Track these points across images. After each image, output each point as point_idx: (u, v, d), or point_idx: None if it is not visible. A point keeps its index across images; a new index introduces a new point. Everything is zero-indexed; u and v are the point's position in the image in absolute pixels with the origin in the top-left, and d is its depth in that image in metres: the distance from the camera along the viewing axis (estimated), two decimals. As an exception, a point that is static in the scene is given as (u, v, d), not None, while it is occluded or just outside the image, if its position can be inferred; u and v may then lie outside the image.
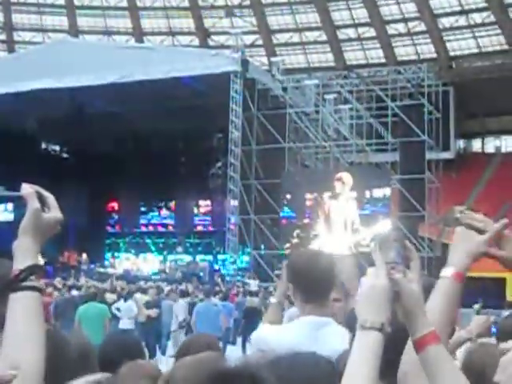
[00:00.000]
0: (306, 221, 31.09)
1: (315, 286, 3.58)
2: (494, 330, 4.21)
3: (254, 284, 28.09)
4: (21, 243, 1.95)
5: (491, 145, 51.84)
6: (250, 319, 19.20)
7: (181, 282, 29.75)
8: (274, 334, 3.63)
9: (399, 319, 1.93)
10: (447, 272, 2.20)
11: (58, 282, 24.18)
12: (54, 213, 2.03)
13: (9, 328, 1.84)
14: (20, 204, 1.98)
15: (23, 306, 1.87)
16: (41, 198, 2.01)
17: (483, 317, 4.22)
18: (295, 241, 31.54)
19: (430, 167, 31.68)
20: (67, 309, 16.73)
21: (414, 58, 47.72)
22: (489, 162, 47.76)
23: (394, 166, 32.59)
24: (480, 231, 2.28)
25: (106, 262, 43.59)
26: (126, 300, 17.83)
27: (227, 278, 32.07)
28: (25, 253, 1.94)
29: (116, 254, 45.11)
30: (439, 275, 2.24)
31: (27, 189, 2.00)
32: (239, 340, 21.18)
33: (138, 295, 18.93)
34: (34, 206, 1.97)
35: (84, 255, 41.29)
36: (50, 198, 2.04)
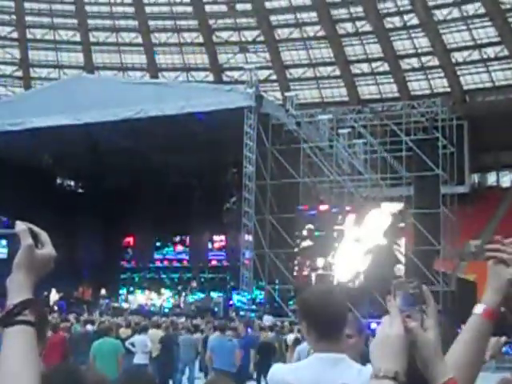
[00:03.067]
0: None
1: (329, 324, 3.58)
2: (507, 349, 4.21)
3: (268, 319, 27.95)
4: (14, 279, 1.97)
5: (506, 178, 51.73)
6: (264, 354, 19.07)
7: (195, 317, 29.67)
8: (291, 373, 3.62)
9: (417, 367, 1.91)
10: (478, 309, 2.18)
11: (71, 317, 24.22)
12: (47, 249, 2.06)
13: (1, 362, 1.85)
14: (14, 241, 2.01)
15: (16, 340, 1.88)
16: (34, 235, 2.04)
17: (493, 338, 4.21)
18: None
19: (445, 201, 31.58)
20: (82, 344, 16.72)
21: (427, 92, 47.86)
22: (504, 195, 47.61)
23: (408, 200, 32.51)
24: (506, 263, 2.25)
25: (121, 297, 43.54)
26: (140, 334, 17.80)
27: (241, 313, 31.93)
28: (18, 288, 1.95)
29: (131, 289, 45.05)
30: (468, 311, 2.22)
31: (20, 226, 2.03)
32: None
33: (151, 330, 18.89)
34: (27, 242, 2.00)
35: (103, 290, 41.33)
36: (42, 234, 2.07)
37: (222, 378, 4.42)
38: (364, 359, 4.32)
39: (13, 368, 1.83)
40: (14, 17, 52.06)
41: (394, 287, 1.97)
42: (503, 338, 4.21)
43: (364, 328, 4.70)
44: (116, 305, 38.74)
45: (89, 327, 20.65)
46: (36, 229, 2.05)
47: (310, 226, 31.80)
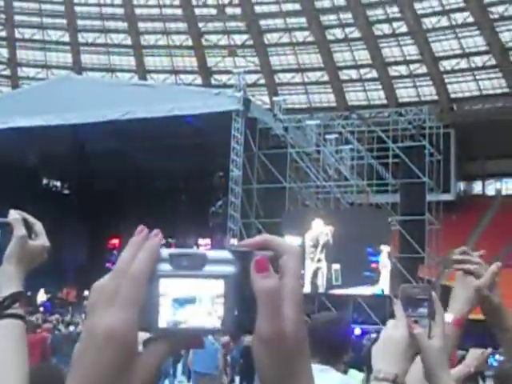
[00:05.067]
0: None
1: (333, 352, 3.64)
2: (491, 361, 4.25)
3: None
4: (5, 270, 1.93)
5: (492, 187, 51.96)
6: (247, 359, 19.06)
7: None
8: None
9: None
10: (448, 318, 2.19)
11: (55, 318, 24.13)
12: (41, 240, 2.01)
13: None
14: (6, 230, 1.96)
15: (5, 333, 1.86)
16: (28, 225, 1.99)
17: (479, 350, 4.24)
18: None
19: (431, 209, 31.65)
20: (64, 345, 16.67)
21: (415, 99, 48.01)
22: (489, 204, 47.81)
23: (394, 207, 32.57)
24: (475, 275, 2.28)
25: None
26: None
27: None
28: (8, 280, 1.91)
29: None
30: None
31: (14, 215, 1.98)
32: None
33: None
34: (20, 232, 1.95)
35: (86, 292, 41.15)
36: (37, 224, 2.02)
37: None
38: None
39: (1, 362, 1.82)
40: (2, 16, 51.90)
41: (402, 291, 1.96)
42: (488, 350, 4.24)
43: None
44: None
45: (71, 328, 20.61)
46: (31, 219, 2.01)
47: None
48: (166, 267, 0.95)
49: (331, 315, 4.41)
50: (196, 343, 0.99)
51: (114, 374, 0.92)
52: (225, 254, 0.95)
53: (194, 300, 0.94)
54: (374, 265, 30.69)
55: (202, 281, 0.94)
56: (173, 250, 0.96)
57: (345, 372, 4.47)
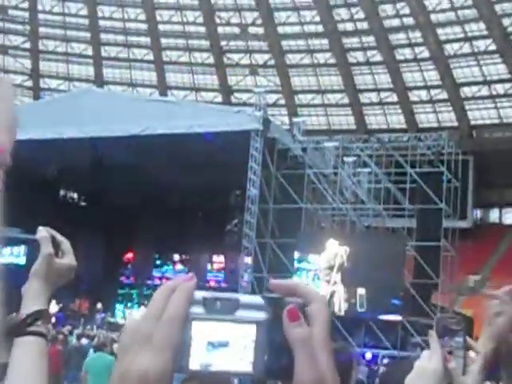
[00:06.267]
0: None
1: None
2: None
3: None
4: (30, 287, 1.93)
5: (509, 216, 51.66)
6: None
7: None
8: None
9: None
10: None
11: (66, 330, 24.16)
12: (68, 259, 2.01)
13: (11, 373, 1.82)
14: (34, 247, 1.97)
15: (27, 351, 1.86)
16: (55, 243, 1.99)
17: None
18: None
19: (447, 235, 31.51)
20: (75, 357, 16.68)
21: (434, 125, 47.94)
22: (506, 232, 47.53)
23: (410, 231, 32.48)
24: (496, 313, 2.24)
25: (117, 312, 43.42)
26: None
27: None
28: (33, 297, 1.92)
29: (128, 305, 44.95)
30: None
31: (42, 232, 1.98)
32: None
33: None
34: (47, 250, 1.95)
35: (99, 304, 41.20)
36: (65, 243, 2.02)
37: None
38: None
39: (22, 380, 1.81)
40: (27, 27, 52.32)
41: (437, 321, 1.93)
42: None
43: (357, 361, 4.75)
44: (111, 320, 38.60)
45: (83, 341, 20.61)
46: (59, 237, 2.01)
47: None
48: (199, 310, 0.95)
49: (334, 345, 4.39)
50: None
51: None
52: (257, 300, 0.97)
53: (226, 344, 0.95)
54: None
55: (234, 325, 0.95)
56: (206, 294, 0.97)
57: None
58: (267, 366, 0.95)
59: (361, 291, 30.02)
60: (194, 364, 0.95)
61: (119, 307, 44.59)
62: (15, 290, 2.03)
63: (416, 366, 1.81)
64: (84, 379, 14.54)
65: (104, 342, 16.45)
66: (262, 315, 0.95)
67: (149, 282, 46.52)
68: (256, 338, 0.94)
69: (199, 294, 0.96)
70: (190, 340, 0.94)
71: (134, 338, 0.94)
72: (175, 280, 0.97)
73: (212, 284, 44.94)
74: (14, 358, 1.83)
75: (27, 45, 53.07)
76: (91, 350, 16.77)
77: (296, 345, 0.94)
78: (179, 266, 46.96)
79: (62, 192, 46.36)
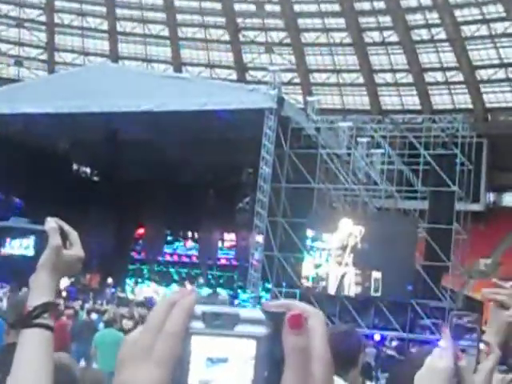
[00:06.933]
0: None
1: (342, 364, 3.65)
2: None
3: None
4: (38, 279, 1.92)
5: (522, 199, 51.45)
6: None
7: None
8: None
9: None
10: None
11: (77, 304, 24.29)
12: (76, 250, 2.00)
13: (16, 364, 1.82)
14: (41, 238, 1.95)
15: (33, 342, 1.85)
16: (63, 234, 1.98)
17: (500, 375, 4.16)
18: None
19: (459, 218, 31.44)
20: (84, 332, 16.75)
21: (449, 107, 47.72)
22: (518, 216, 47.35)
23: (422, 214, 32.41)
24: (505, 306, 2.22)
25: (128, 288, 43.59)
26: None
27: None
28: (41, 289, 1.91)
29: (138, 280, 45.11)
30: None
31: (51, 223, 1.96)
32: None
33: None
34: (55, 242, 1.94)
35: (110, 279, 41.39)
36: (73, 234, 2.00)
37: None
38: (363, 372, 4.39)
39: (27, 372, 1.81)
40: (43, 0, 52.23)
41: (451, 318, 1.90)
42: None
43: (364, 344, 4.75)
44: (122, 295, 38.76)
45: (93, 316, 20.71)
46: (66, 227, 1.99)
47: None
48: (198, 325, 0.93)
49: (343, 327, 4.40)
50: None
51: None
52: (257, 314, 0.94)
53: (226, 359, 0.92)
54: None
55: (233, 340, 0.92)
56: (206, 308, 0.94)
57: (363, 382, 4.47)
58: (267, 383, 0.92)
59: (376, 275, 29.96)
60: (193, 380, 0.92)
61: (129, 282, 44.76)
62: (24, 282, 2.02)
63: (426, 363, 1.78)
64: (93, 354, 14.64)
65: (114, 317, 16.52)
66: (262, 330, 0.93)
67: (160, 258, 46.68)
68: (256, 353, 0.92)
69: (199, 309, 0.94)
70: (189, 355, 0.92)
71: (133, 350, 0.92)
72: (176, 294, 0.95)
73: (223, 262, 45.08)
74: (19, 350, 1.83)
75: (43, 18, 52.99)
76: (101, 325, 16.85)
77: (289, 353, 0.91)
78: (190, 243, 47.09)
79: (74, 166, 46.45)
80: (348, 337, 3.94)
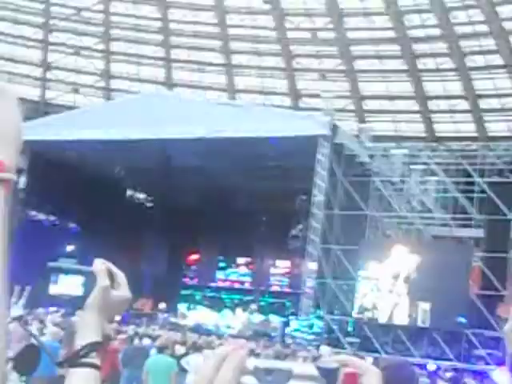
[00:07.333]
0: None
1: None
2: None
3: (325, 350, 27.65)
4: (86, 318, 1.96)
5: None
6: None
7: (251, 340, 29.60)
8: None
9: None
10: None
11: (131, 329, 24.40)
12: (123, 291, 2.03)
13: None
14: (90, 279, 1.98)
15: (80, 381, 1.87)
16: (111, 275, 2.01)
17: None
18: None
19: (515, 247, 31.00)
20: (136, 357, 16.79)
21: (505, 134, 47.14)
22: None
23: (477, 242, 32.01)
24: None
25: (179, 313, 43.69)
26: (194, 353, 17.79)
27: (298, 341, 31.72)
28: (88, 329, 1.94)
29: (191, 306, 45.18)
30: None
31: (99, 264, 2.00)
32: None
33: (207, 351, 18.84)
34: (104, 283, 1.97)
35: (162, 304, 41.53)
36: (119, 275, 2.04)
37: None
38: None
39: None
40: (100, 29, 53.04)
41: (506, 349, 1.85)
42: None
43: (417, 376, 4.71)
44: (174, 320, 38.88)
45: (146, 341, 20.76)
46: (114, 269, 2.02)
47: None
48: (250, 380, 0.92)
49: (396, 360, 4.37)
50: None
51: None
52: (311, 370, 0.92)
53: None
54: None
55: None
56: (258, 363, 0.92)
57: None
58: None
59: (424, 306, 29.59)
60: None
61: (182, 308, 44.85)
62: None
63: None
64: (145, 379, 14.69)
65: (166, 343, 16.54)
66: None
67: (212, 283, 46.76)
68: None
69: (251, 364, 0.93)
70: None
71: None
72: (226, 348, 0.94)
73: (275, 288, 44.99)
74: None
75: (101, 46, 53.79)
76: (153, 351, 16.89)
77: None
78: (243, 269, 47.09)
79: (128, 192, 46.88)
80: (401, 369, 3.92)
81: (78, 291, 2.11)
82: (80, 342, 1.90)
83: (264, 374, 0.91)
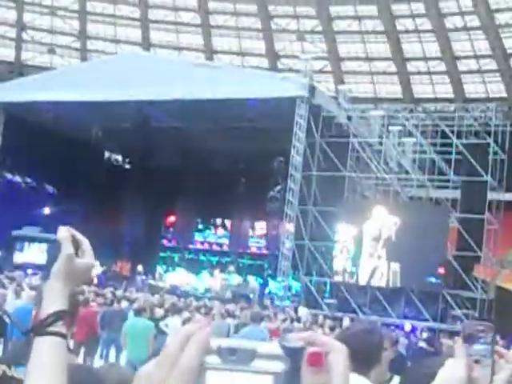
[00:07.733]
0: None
1: (364, 362, 3.65)
2: None
3: (303, 311, 27.88)
4: (51, 287, 1.94)
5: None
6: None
7: (230, 302, 29.71)
8: None
9: None
10: None
11: (109, 291, 24.40)
12: (88, 259, 2.01)
13: (30, 372, 1.82)
14: (54, 247, 1.96)
15: (46, 350, 1.86)
16: (75, 242, 1.99)
17: None
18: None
19: (491, 208, 31.21)
20: (115, 320, 16.83)
21: (483, 95, 47.23)
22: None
23: (454, 203, 32.19)
24: None
25: (158, 275, 43.74)
26: (173, 316, 17.82)
27: (276, 303, 31.88)
28: (53, 297, 1.92)
29: (169, 268, 45.23)
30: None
31: (63, 232, 1.98)
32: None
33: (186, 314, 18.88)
34: (68, 250, 1.95)
35: (140, 266, 41.53)
36: (84, 242, 2.02)
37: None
38: (391, 368, 4.37)
39: (41, 379, 1.81)
40: (75, -12, 52.45)
41: (464, 327, 1.86)
42: None
43: (396, 341, 4.72)
44: (152, 282, 38.94)
45: (124, 304, 20.79)
46: (79, 236, 2.01)
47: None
48: (214, 360, 0.90)
49: (365, 325, 4.38)
50: None
51: None
52: (275, 349, 0.90)
53: None
54: (441, 269, 30.10)
55: (249, 376, 0.89)
56: (222, 342, 0.91)
57: (390, 379, 4.48)
58: None
59: (394, 266, 29.83)
60: None
61: (160, 270, 44.92)
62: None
63: (439, 375, 1.73)
64: (124, 342, 14.75)
65: (144, 306, 16.59)
66: (279, 366, 0.89)
67: (190, 245, 46.82)
68: None
69: (215, 344, 0.90)
70: None
71: None
72: (191, 327, 0.91)
73: (253, 250, 45.12)
74: (33, 357, 1.83)
75: (76, 6, 53.18)
76: (131, 313, 16.92)
77: None
78: (221, 231, 47.16)
79: (106, 154, 46.67)
80: (369, 334, 3.95)
81: (43, 260, 2.09)
82: (46, 310, 1.90)
83: (228, 353, 0.90)
